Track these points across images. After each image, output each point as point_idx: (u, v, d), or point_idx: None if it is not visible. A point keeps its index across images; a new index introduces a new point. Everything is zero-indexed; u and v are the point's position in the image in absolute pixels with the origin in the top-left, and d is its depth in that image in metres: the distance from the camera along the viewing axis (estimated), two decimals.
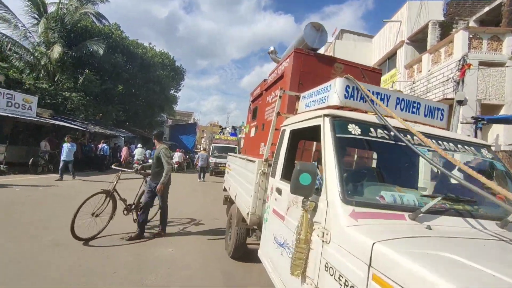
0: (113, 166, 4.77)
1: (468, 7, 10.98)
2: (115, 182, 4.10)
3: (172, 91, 25.06)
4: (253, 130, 4.55)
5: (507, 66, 7.90)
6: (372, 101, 1.85)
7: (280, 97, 2.65)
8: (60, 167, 8.85)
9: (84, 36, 17.22)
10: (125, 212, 4.26)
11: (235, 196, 3.58)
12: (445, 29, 9.79)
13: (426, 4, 10.75)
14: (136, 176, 5.02)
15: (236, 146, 16.92)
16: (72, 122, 13.22)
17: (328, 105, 2.03)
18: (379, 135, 1.66)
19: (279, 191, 2.17)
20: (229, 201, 4.48)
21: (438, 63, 9.27)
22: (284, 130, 2.47)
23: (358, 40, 17.70)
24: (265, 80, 4.30)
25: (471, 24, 9.53)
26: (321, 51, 4.77)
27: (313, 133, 2.53)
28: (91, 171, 12.26)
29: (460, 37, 8.24)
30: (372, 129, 1.68)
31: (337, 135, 1.58)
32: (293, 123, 2.30)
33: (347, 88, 1.97)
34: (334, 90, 1.97)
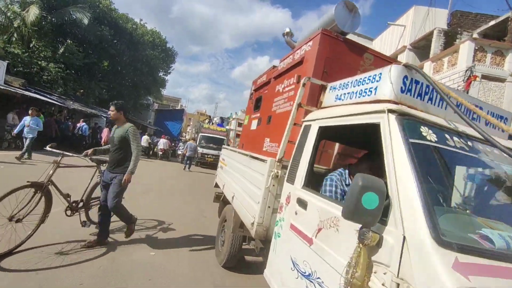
0: (48, 148, 3.29)
1: (471, 19, 10.95)
2: (50, 171, 2.93)
3: (161, 74, 23.78)
4: (254, 122, 4.05)
5: (508, 82, 7.89)
6: (443, 99, 1.41)
7: (303, 84, 2.16)
8: (26, 144, 7.59)
9: (67, 1, 15.66)
10: (68, 212, 3.15)
11: (233, 197, 3.09)
12: (449, 38, 9.68)
13: (433, 12, 10.59)
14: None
15: (225, 138, 16.33)
16: (48, 96, 12.00)
17: (377, 99, 1.57)
18: (457, 145, 1.23)
19: (302, 203, 1.71)
20: (222, 200, 3.99)
21: (440, 72, 9.15)
22: (308, 126, 2.00)
23: (357, 40, 17.42)
24: (274, 67, 3.79)
25: (475, 36, 9.47)
26: None
27: (351, 132, 2.06)
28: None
29: (466, 48, 8.11)
30: (448, 136, 1.25)
31: (410, 140, 1.13)
32: (324, 118, 1.83)
33: (405, 79, 1.52)
34: (388, 80, 1.52)
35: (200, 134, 16.06)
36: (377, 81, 1.63)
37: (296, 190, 1.85)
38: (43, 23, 14.79)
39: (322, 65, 2.47)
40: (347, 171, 1.99)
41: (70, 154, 3.29)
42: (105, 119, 15.36)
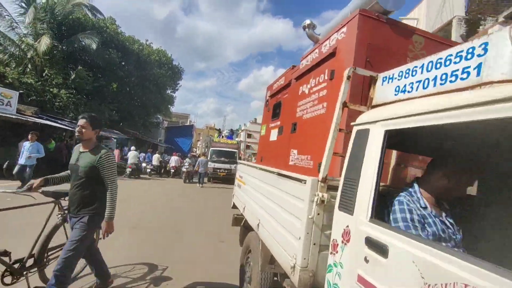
0: None
1: (492, 4, 10.23)
2: None
3: (168, 91, 23.97)
4: (274, 132, 3.54)
5: None
6: None
7: (348, 77, 1.64)
8: (14, 172, 7.03)
9: (76, 29, 16.10)
10: (8, 278, 2.18)
11: (258, 224, 2.54)
12: (472, 26, 8.98)
13: (448, 1, 9.97)
14: None
15: (236, 151, 15.87)
16: (59, 121, 12.03)
17: (486, 81, 1.02)
18: None
19: (377, 246, 1.15)
20: (243, 226, 3.43)
21: None
22: (364, 132, 1.45)
23: None
24: (293, 66, 3.31)
25: (501, 20, 8.74)
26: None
27: (426, 135, 1.50)
28: None
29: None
30: None
31: None
32: (394, 117, 1.29)
33: None
34: (509, 49, 0.97)
35: (211, 148, 15.71)
36: (479, 55, 1.08)
37: (360, 225, 1.29)
38: (55, 52, 15.19)
39: (364, 53, 1.96)
40: (416, 187, 1.42)
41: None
42: (115, 140, 15.29)
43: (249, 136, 59.88)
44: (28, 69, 15.07)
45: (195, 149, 65.97)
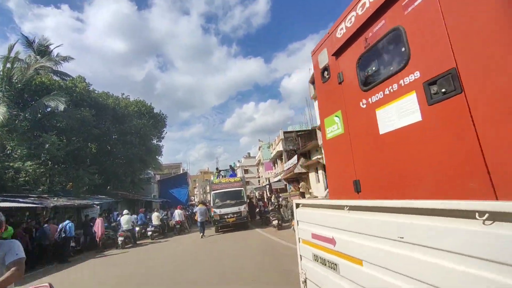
0: None
1: None
2: None
3: (154, 141, 22.17)
4: (384, 113, 1.64)
5: None
6: None
7: None
8: None
9: (41, 94, 14.56)
10: None
11: None
12: None
13: None
14: None
15: (242, 189, 13.64)
16: (20, 200, 9.65)
17: None
18: None
19: None
20: None
21: None
22: None
23: None
24: None
25: None
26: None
27: None
28: (46, 267, 8.43)
29: None
30: None
31: None
32: None
33: None
34: None
35: (212, 192, 13.44)
36: None
37: None
38: (16, 121, 13.41)
39: None
40: None
41: None
42: (98, 207, 12.83)
43: (246, 171, 57.51)
44: None
45: (192, 197, 62.24)
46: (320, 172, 16.76)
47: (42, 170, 12.85)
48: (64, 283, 6.16)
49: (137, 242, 12.28)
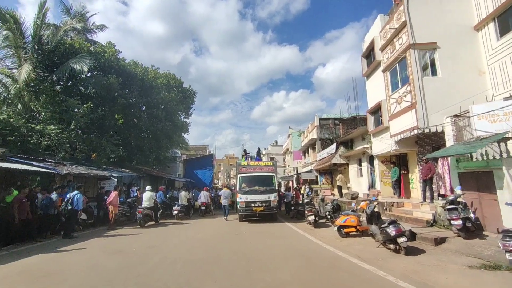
0: None
1: None
2: None
3: (181, 117, 21.04)
4: None
5: None
6: None
7: None
8: None
9: (71, 57, 13.78)
10: None
11: None
12: None
13: None
14: None
15: (273, 174, 11.78)
16: (34, 163, 8.79)
17: None
18: None
19: None
20: None
21: None
22: None
23: None
24: None
25: None
26: None
27: None
28: (48, 240, 7.46)
29: None
30: None
31: None
32: None
33: None
34: None
35: (239, 175, 11.77)
36: None
37: None
38: (45, 83, 12.81)
39: None
40: None
41: None
42: (115, 180, 11.88)
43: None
44: (18, 110, 12.71)
45: (217, 181, 62.33)
46: (365, 164, 14.22)
47: (64, 135, 12.14)
48: (43, 270, 4.88)
49: (160, 222, 11.36)
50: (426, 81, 8.71)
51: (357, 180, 15.30)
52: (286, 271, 4.64)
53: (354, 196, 13.66)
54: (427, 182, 8.66)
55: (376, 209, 6.94)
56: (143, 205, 10.78)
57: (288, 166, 42.87)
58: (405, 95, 9.41)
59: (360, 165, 15.03)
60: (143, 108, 18.42)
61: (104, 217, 10.23)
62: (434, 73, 8.89)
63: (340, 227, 7.79)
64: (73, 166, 10.99)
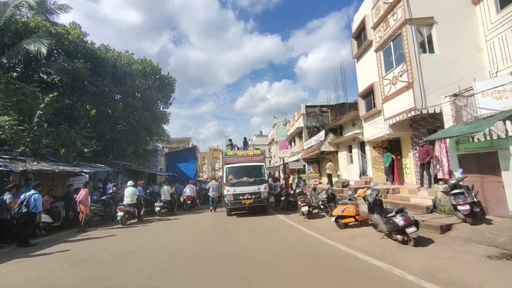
0: None
1: None
2: None
3: (160, 107, 19.57)
4: None
5: None
6: None
7: None
8: None
9: (25, 38, 11.96)
10: None
11: None
12: None
13: None
14: None
15: (263, 164, 11.02)
16: None
17: None
18: None
19: None
20: None
21: None
22: None
23: None
24: None
25: None
26: None
27: None
28: (3, 249, 6.26)
29: None
30: None
31: None
32: None
33: None
34: None
35: (225, 166, 10.88)
36: None
37: None
38: None
39: None
40: None
41: None
42: (86, 176, 10.57)
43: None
44: None
45: (201, 174, 60.85)
46: (355, 151, 13.82)
47: (22, 127, 10.59)
48: None
49: (144, 219, 10.56)
50: (424, 59, 8.17)
51: (347, 168, 14.94)
52: (290, 276, 3.91)
53: (345, 184, 13.28)
54: (424, 166, 8.27)
55: (378, 197, 6.38)
56: (124, 202, 9.91)
57: (274, 156, 42.43)
58: (401, 75, 8.86)
59: (350, 152, 14.63)
60: (118, 97, 16.82)
61: (74, 218, 9.03)
62: (431, 50, 8.37)
63: (338, 217, 7.23)
64: (34, 162, 9.58)
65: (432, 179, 8.28)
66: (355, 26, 12.69)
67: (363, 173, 13.46)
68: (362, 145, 13.37)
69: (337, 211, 7.25)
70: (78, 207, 8.17)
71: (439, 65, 8.10)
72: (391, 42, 9.41)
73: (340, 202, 7.55)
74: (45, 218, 7.63)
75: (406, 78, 8.51)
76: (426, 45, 8.40)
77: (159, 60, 19.54)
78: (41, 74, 13.21)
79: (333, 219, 7.33)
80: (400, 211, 5.10)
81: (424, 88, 8.04)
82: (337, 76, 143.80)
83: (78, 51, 13.92)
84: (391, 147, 11.98)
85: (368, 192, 7.05)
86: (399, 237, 5.10)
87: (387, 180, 11.55)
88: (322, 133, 17.08)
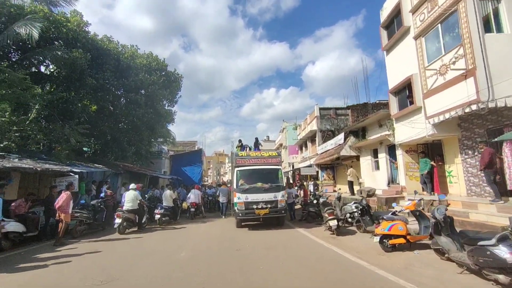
0: None
1: None
2: None
3: (165, 105, 18.26)
4: None
5: None
6: None
7: None
8: None
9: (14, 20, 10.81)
10: None
11: None
12: None
13: None
14: None
15: (280, 168, 9.45)
16: None
17: None
18: None
19: None
20: None
21: None
22: None
23: None
24: None
25: None
26: None
27: None
28: None
29: None
30: None
31: None
32: None
33: None
34: None
35: (236, 169, 9.33)
36: None
37: None
38: None
39: None
40: None
41: None
42: (76, 176, 9.13)
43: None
44: None
45: (206, 178, 59.41)
46: (383, 155, 12.12)
47: (7, 119, 9.33)
48: None
49: (146, 227, 9.36)
50: (489, 40, 6.57)
51: (372, 175, 13.21)
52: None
53: (371, 193, 11.56)
54: (487, 173, 6.58)
55: (446, 213, 4.72)
56: (124, 207, 8.59)
57: (283, 161, 40.74)
58: (454, 62, 7.26)
59: (376, 157, 12.93)
60: (120, 93, 15.58)
61: (57, 226, 7.57)
62: (499, 29, 6.77)
63: (383, 236, 5.58)
64: (16, 160, 8.23)
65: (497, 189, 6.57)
66: (385, 14, 11.18)
67: (392, 180, 11.72)
68: (390, 149, 11.68)
69: (382, 228, 5.61)
70: (57, 214, 6.70)
71: (509, 47, 6.48)
72: (439, 24, 7.84)
73: (385, 217, 5.90)
74: (15, 226, 6.17)
75: (463, 64, 6.90)
76: (492, 23, 6.80)
77: (169, 64, 18.78)
78: (34, 61, 12.03)
79: (376, 238, 5.68)
80: (504, 239, 3.45)
81: (490, 75, 6.42)
82: (357, 75, 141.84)
83: (77, 40, 12.74)
84: (427, 151, 10.29)
85: (435, 205, 5.41)
86: (501, 277, 3.42)
87: (423, 190, 9.83)
88: (341, 135, 15.43)
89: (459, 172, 8.49)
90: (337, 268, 4.65)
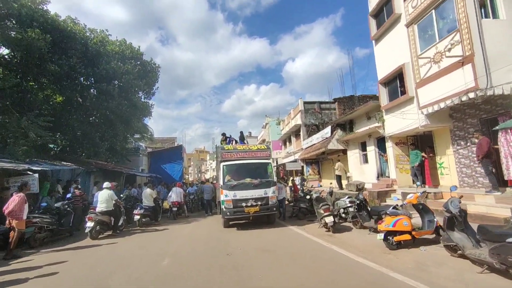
0: None
1: None
2: None
3: (142, 97, 16.85)
4: None
5: None
6: None
7: None
8: None
9: None
10: None
11: None
12: None
13: None
14: None
15: (270, 161, 8.82)
16: None
17: None
18: None
19: None
20: None
21: None
22: None
23: None
24: None
25: None
26: None
27: None
28: None
29: None
30: None
31: None
32: None
33: None
34: None
35: (222, 164, 8.55)
36: None
37: None
38: None
39: None
40: None
41: None
42: (35, 176, 7.85)
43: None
44: None
45: (187, 176, 57.57)
46: (371, 148, 11.95)
47: None
48: None
49: (123, 230, 8.52)
50: (486, 25, 6.36)
51: (360, 168, 13.05)
52: None
53: (360, 187, 11.34)
54: (485, 163, 6.43)
55: (460, 207, 4.35)
56: (97, 209, 7.66)
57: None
58: (449, 49, 7.01)
59: (364, 150, 12.75)
60: (89, 82, 14.04)
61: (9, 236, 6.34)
62: (495, 15, 6.59)
63: (388, 233, 5.17)
64: None
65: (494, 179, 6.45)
66: (374, 2, 10.86)
67: (381, 174, 11.60)
68: (379, 142, 11.52)
69: (387, 224, 5.18)
70: (7, 221, 5.54)
71: (505, 33, 6.31)
72: (433, 10, 7.58)
73: (388, 212, 5.49)
74: None
75: (460, 51, 6.66)
76: (489, 8, 6.61)
77: (145, 58, 17.32)
78: None
79: (380, 236, 5.25)
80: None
81: (488, 62, 6.21)
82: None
83: (34, 19, 11.08)
84: (417, 143, 10.21)
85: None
86: None
87: (413, 183, 9.74)
88: (328, 129, 15.15)
89: (451, 163, 8.40)
90: (344, 271, 4.12)
